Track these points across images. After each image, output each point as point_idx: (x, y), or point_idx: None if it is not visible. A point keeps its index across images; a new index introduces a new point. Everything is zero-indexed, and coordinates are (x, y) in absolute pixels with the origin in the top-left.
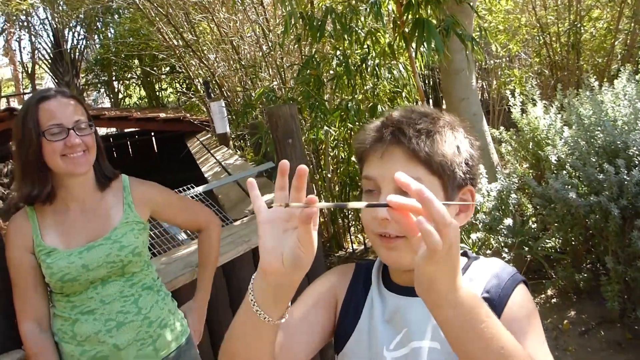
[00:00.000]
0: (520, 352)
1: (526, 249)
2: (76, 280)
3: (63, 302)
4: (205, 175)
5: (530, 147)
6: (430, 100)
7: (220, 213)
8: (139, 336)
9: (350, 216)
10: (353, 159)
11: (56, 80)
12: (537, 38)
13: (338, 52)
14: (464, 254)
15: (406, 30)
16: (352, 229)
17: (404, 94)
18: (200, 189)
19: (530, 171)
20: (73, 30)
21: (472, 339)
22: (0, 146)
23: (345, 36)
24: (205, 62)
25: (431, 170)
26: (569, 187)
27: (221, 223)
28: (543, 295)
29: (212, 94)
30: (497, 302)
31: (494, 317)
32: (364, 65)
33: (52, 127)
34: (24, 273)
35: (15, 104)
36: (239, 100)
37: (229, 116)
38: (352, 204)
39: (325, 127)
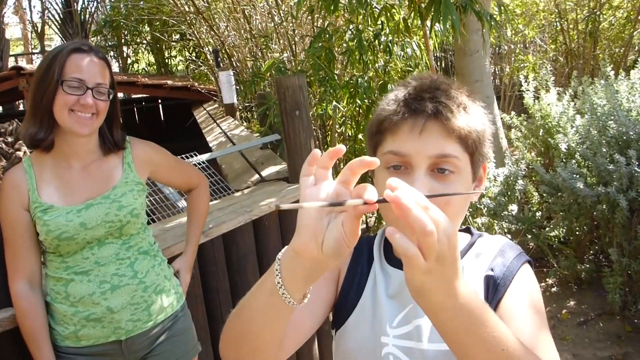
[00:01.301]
0: (522, 351)
1: (529, 236)
2: (73, 239)
3: (57, 262)
4: (210, 145)
5: (541, 134)
6: None
7: (222, 182)
8: (133, 300)
9: None
10: (360, 136)
11: (64, 41)
12: (555, 24)
13: (351, 26)
14: (467, 230)
15: (422, 6)
16: None
17: (415, 73)
18: (204, 157)
19: (539, 159)
20: None
21: (472, 342)
22: (7, 104)
23: (360, 10)
24: (215, 31)
25: (466, 147)
26: (577, 176)
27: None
28: (543, 284)
29: (221, 64)
30: (501, 281)
31: (495, 319)
32: (376, 41)
33: (73, 80)
34: (17, 230)
35: (23, 63)
36: (248, 70)
37: (237, 87)
38: (350, 202)
39: (334, 103)
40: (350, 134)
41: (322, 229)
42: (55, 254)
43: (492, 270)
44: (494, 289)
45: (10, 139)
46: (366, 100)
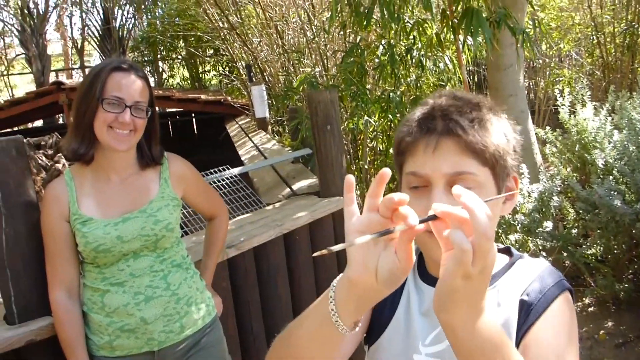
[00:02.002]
0: None
1: (565, 254)
2: (110, 251)
3: (94, 272)
4: (242, 158)
5: (576, 149)
6: None
7: (253, 196)
8: (166, 312)
9: None
10: (391, 151)
11: (103, 57)
12: (591, 38)
13: (383, 41)
14: (507, 251)
15: (455, 20)
16: None
17: (447, 88)
18: (236, 170)
19: (574, 175)
20: (122, 8)
21: None
22: (48, 118)
23: (392, 25)
24: (248, 46)
25: (484, 162)
26: (615, 193)
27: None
28: (580, 304)
29: (253, 78)
30: (534, 308)
31: (511, 346)
32: (408, 56)
33: (113, 99)
34: (58, 240)
35: (63, 78)
36: (279, 85)
37: (269, 101)
38: (398, 228)
39: (365, 117)
40: (381, 148)
41: (374, 258)
42: (92, 265)
43: (527, 295)
44: (526, 315)
45: (50, 152)
46: (398, 115)
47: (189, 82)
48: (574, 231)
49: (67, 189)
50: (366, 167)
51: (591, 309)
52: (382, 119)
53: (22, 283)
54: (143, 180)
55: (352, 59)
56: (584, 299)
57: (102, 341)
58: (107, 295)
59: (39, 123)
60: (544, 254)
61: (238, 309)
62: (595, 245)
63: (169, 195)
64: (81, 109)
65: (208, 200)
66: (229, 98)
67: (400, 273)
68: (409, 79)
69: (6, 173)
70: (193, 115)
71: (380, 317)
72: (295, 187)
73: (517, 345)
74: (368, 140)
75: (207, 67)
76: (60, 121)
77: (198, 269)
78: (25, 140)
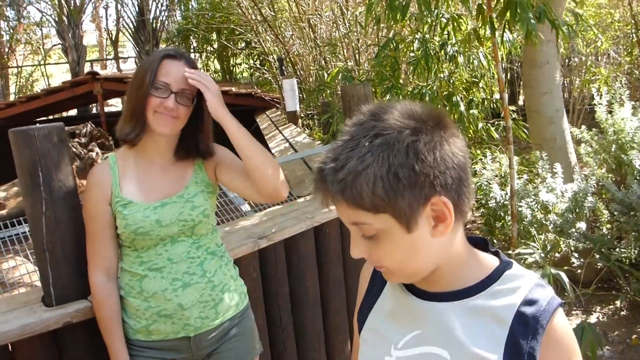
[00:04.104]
0: None
1: (597, 256)
2: (148, 234)
3: (132, 256)
4: (273, 152)
5: (613, 150)
6: (506, 95)
7: None
8: (202, 298)
9: None
10: None
11: (137, 49)
12: (630, 35)
13: (417, 35)
14: (496, 254)
15: (493, 15)
16: None
17: (480, 84)
18: None
19: (609, 175)
20: (157, 0)
21: None
22: (82, 107)
23: (428, 19)
24: (280, 39)
25: (373, 211)
26: None
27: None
28: (612, 307)
29: (285, 71)
30: (538, 320)
31: None
32: (442, 52)
33: (160, 84)
34: (99, 223)
35: (97, 68)
36: (311, 79)
37: (300, 95)
38: None
39: None
40: None
41: None
42: (130, 249)
43: (527, 306)
44: (530, 328)
45: (84, 140)
46: None
47: (220, 74)
48: (607, 233)
49: (110, 172)
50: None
51: (623, 312)
52: None
53: (61, 267)
54: (180, 165)
55: (386, 53)
56: (616, 302)
57: (139, 325)
58: (145, 280)
59: (73, 112)
60: (575, 255)
61: (267, 300)
62: (629, 248)
63: (203, 180)
64: (134, 95)
65: (258, 146)
66: (260, 91)
67: None
68: (441, 75)
69: (48, 159)
70: None
71: (361, 316)
72: None
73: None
74: None
75: (239, 60)
76: (94, 111)
77: (231, 256)
78: None
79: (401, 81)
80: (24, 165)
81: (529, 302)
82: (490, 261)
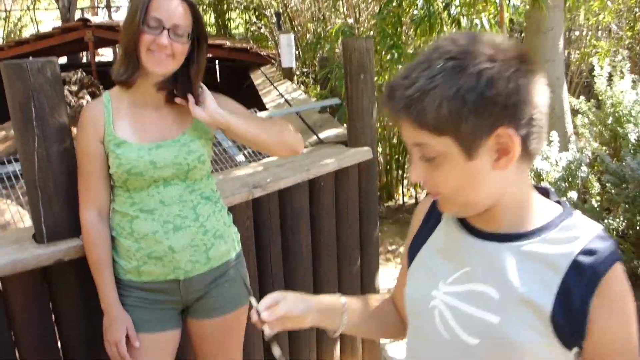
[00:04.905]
0: None
1: None
2: (142, 175)
3: (124, 197)
4: (267, 107)
5: (609, 122)
6: None
7: None
8: (193, 242)
9: (406, 167)
10: None
11: None
12: (634, 10)
13: None
14: (559, 203)
15: None
16: (405, 181)
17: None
18: (262, 114)
19: (604, 148)
20: None
21: None
22: (72, 54)
23: None
24: None
25: (436, 132)
26: None
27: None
28: None
29: (282, 26)
30: (594, 272)
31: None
32: (445, 12)
33: (152, 20)
34: (91, 161)
35: (88, 16)
36: (308, 36)
37: (296, 51)
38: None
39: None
40: None
41: None
42: (122, 189)
43: (585, 256)
44: (585, 278)
45: (74, 88)
46: None
47: (215, 28)
48: (597, 205)
49: (104, 110)
50: (390, 123)
51: None
52: None
53: (53, 204)
54: (177, 109)
55: (389, 9)
56: None
57: (129, 266)
58: (135, 221)
59: (63, 60)
60: None
61: (259, 250)
62: (617, 220)
63: (201, 128)
64: (126, 34)
65: (256, 124)
66: (255, 46)
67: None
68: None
69: (41, 93)
70: (217, 62)
71: (413, 249)
72: (322, 135)
73: (581, 314)
74: None
75: (234, 15)
76: (84, 60)
77: (225, 204)
78: None
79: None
80: (16, 99)
81: (588, 252)
82: (552, 209)
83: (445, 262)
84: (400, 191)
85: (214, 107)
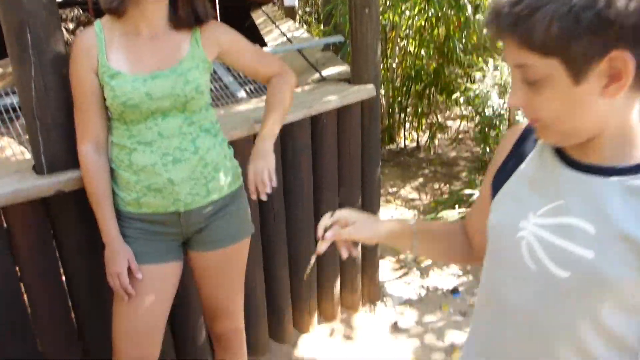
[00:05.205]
0: None
1: None
2: (138, 107)
3: (121, 129)
4: (269, 45)
5: None
6: None
7: None
8: (193, 175)
9: (408, 110)
10: (422, 52)
11: None
12: None
13: None
14: None
15: None
16: (407, 124)
17: None
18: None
19: None
20: None
21: None
22: None
23: None
24: None
25: (543, 53)
26: None
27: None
28: None
29: None
30: None
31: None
32: None
33: None
34: (87, 93)
35: None
36: None
37: None
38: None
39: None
40: (411, 49)
41: None
42: (120, 121)
43: None
44: None
45: (71, 26)
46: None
47: None
48: None
49: (96, 39)
50: (394, 66)
51: None
52: (421, 14)
53: (52, 134)
54: (174, 39)
55: None
56: None
57: (129, 197)
58: (134, 153)
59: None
60: None
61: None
62: None
63: (199, 56)
64: None
65: (258, 58)
66: None
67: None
68: None
69: (36, 19)
70: (217, 1)
71: (501, 175)
72: (324, 73)
73: None
74: (399, 39)
75: None
76: None
77: (226, 138)
78: None
79: None
80: (12, 26)
81: None
82: None
83: (537, 193)
84: (402, 134)
85: (260, 166)
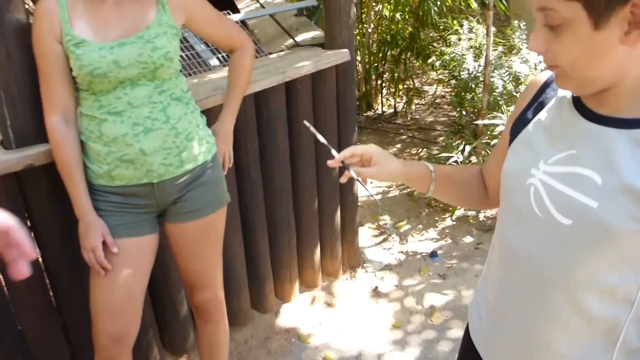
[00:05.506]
0: None
1: None
2: (106, 76)
3: (90, 100)
4: (242, 11)
5: None
6: None
7: (255, 44)
8: (165, 144)
9: (385, 76)
10: (398, 16)
11: None
12: None
13: None
14: None
15: None
16: (384, 90)
17: None
18: (235, 17)
19: None
20: None
21: None
22: None
23: None
24: None
25: None
26: None
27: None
28: None
29: None
30: None
31: None
32: None
33: None
34: (51, 62)
35: None
36: None
37: None
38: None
39: None
40: (386, 13)
41: None
42: (88, 92)
43: None
44: None
45: None
46: None
47: None
48: None
49: (58, 7)
50: (369, 30)
51: None
52: None
53: (18, 107)
54: (139, 4)
55: None
56: None
57: (100, 170)
58: (104, 124)
59: None
60: None
61: (237, 155)
62: None
63: (166, 22)
64: None
65: (222, 28)
66: None
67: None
68: None
69: None
70: None
71: (520, 122)
72: (298, 39)
73: None
74: (374, 3)
75: None
76: None
77: (199, 107)
78: None
79: None
80: None
81: None
82: None
83: (551, 142)
84: (379, 101)
85: (221, 150)
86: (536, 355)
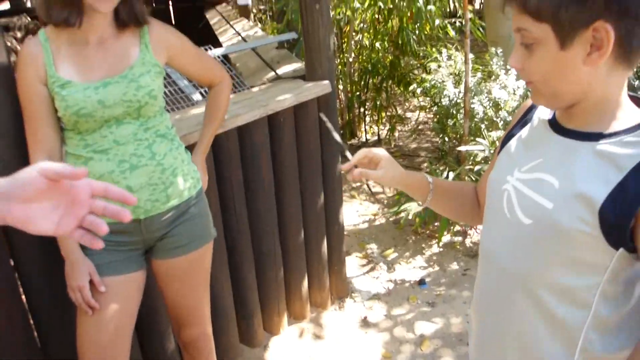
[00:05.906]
0: None
1: None
2: (91, 116)
3: (75, 139)
4: (224, 46)
5: None
6: None
7: (237, 78)
8: (151, 181)
9: (367, 104)
10: (378, 45)
11: None
12: None
13: None
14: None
15: None
16: (367, 118)
17: None
18: (217, 51)
19: None
20: None
21: None
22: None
23: None
24: None
25: (537, 18)
26: None
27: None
28: None
29: None
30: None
31: None
32: None
33: None
34: (35, 103)
35: None
36: None
37: None
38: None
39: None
40: (366, 43)
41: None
42: (73, 131)
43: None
44: (626, 202)
45: (19, 35)
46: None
47: None
48: None
49: (42, 50)
50: (350, 60)
51: None
52: (372, 6)
53: (1, 149)
54: (122, 44)
55: None
56: None
57: None
58: (90, 162)
59: (6, 6)
60: None
61: (221, 188)
62: None
63: (149, 61)
64: None
65: (203, 65)
66: None
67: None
68: None
69: None
70: (170, 2)
71: (505, 139)
72: (279, 71)
73: (629, 212)
74: (354, 33)
75: None
76: (29, 4)
77: (183, 142)
78: None
79: None
80: None
81: None
82: (639, 116)
83: (526, 152)
84: (362, 128)
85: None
86: (510, 356)
